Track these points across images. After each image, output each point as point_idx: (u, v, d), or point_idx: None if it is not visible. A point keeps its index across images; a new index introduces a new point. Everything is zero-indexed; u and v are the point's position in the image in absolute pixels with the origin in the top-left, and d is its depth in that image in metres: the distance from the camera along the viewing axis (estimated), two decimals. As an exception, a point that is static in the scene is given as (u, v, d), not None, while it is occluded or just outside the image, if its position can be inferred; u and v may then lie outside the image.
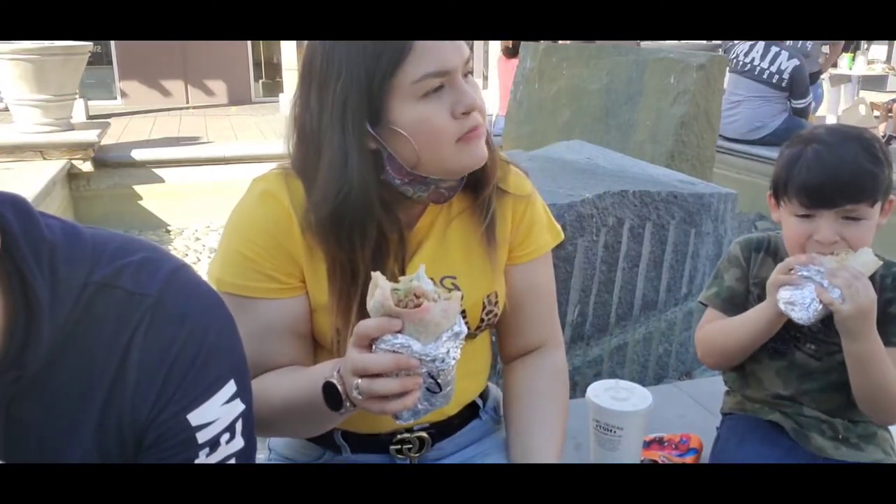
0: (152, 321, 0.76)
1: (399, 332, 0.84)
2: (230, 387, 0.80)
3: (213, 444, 0.79)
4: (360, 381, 0.86)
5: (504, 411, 1.24)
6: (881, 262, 1.27)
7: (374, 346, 0.85)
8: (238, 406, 0.81)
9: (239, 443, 0.82)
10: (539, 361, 1.23)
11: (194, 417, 0.77)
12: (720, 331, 1.43)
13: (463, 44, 1.01)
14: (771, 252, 1.43)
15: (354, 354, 0.86)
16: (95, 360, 0.75)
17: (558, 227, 1.23)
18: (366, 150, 1.00)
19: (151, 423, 0.76)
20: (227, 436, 0.80)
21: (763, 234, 1.47)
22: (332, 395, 0.92)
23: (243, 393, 0.82)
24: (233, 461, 0.82)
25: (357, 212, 1.00)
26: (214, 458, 0.80)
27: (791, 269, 1.26)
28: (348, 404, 0.90)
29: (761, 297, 1.38)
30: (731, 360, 1.47)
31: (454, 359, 0.86)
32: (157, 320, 0.76)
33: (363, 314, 0.89)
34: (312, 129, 1.01)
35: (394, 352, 0.84)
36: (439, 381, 0.88)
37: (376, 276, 0.86)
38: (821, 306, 1.23)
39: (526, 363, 1.24)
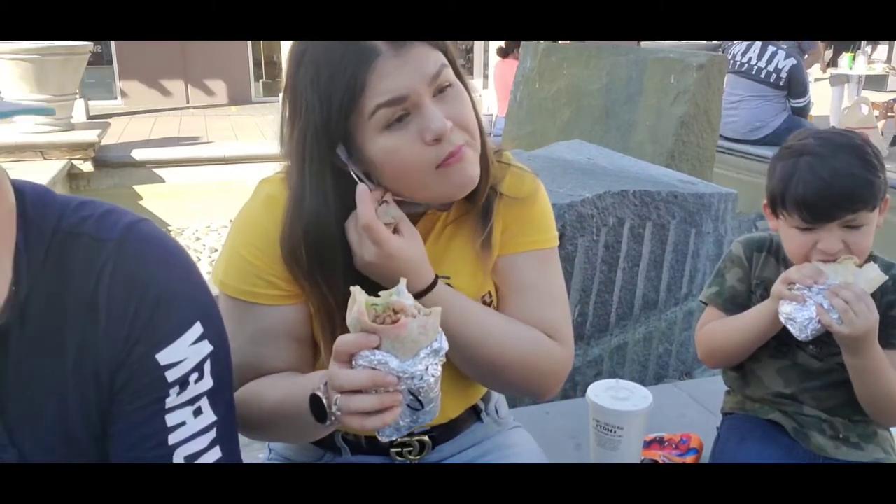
0: (116, 264, 0.79)
1: (377, 347, 0.82)
2: (196, 328, 0.82)
3: (183, 383, 0.81)
4: (338, 396, 0.84)
5: None
6: (887, 277, 1.27)
7: (352, 362, 0.84)
8: (206, 347, 0.83)
9: (208, 382, 0.84)
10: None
11: (163, 357, 0.80)
12: (721, 330, 1.43)
13: (429, 62, 0.95)
14: (773, 252, 1.43)
15: (334, 370, 0.85)
16: (67, 307, 0.78)
17: (555, 232, 1.18)
18: (327, 188, 0.99)
19: (122, 363, 0.79)
20: (195, 375, 0.82)
21: (765, 233, 1.46)
22: (317, 408, 0.90)
23: (210, 334, 0.84)
24: (204, 400, 0.83)
25: (314, 251, 1.00)
26: (185, 398, 0.81)
27: (793, 284, 1.26)
28: (333, 418, 0.88)
29: (764, 297, 1.38)
30: (731, 359, 1.47)
31: (433, 376, 0.84)
32: (120, 263, 0.79)
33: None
34: (286, 154, 1.03)
35: (371, 368, 0.82)
36: (420, 398, 0.85)
37: (355, 290, 0.84)
38: (819, 325, 1.24)
39: None
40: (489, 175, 1.08)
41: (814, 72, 8.08)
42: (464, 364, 1.11)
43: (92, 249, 0.79)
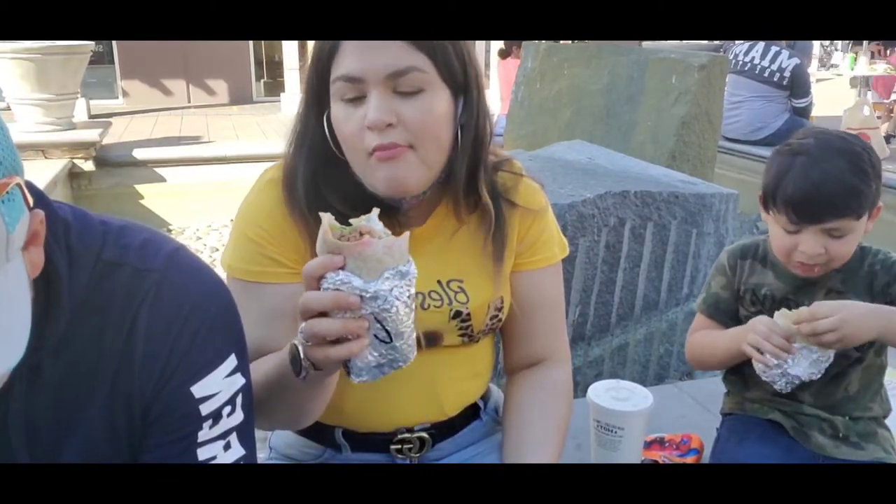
0: (157, 295, 0.79)
1: (341, 268, 0.80)
2: (231, 360, 0.82)
3: (216, 416, 0.81)
4: (304, 324, 0.83)
5: (502, 423, 1.24)
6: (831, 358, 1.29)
7: (319, 287, 0.82)
8: (239, 380, 0.83)
9: (239, 416, 0.84)
10: (540, 375, 1.23)
11: (197, 390, 0.79)
12: (705, 343, 1.48)
13: (397, 59, 0.95)
14: (759, 258, 1.45)
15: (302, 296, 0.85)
16: (105, 335, 0.77)
17: (565, 241, 1.23)
18: (310, 138, 1.05)
19: (157, 395, 0.78)
20: (228, 409, 0.82)
21: (754, 239, 1.49)
22: (294, 358, 0.89)
23: (243, 367, 0.84)
24: (233, 435, 0.83)
25: (297, 192, 1.05)
26: (216, 431, 0.81)
27: (762, 354, 1.29)
28: (307, 364, 0.87)
29: (753, 302, 1.43)
30: (714, 369, 1.54)
31: (398, 299, 0.80)
32: (162, 294, 0.79)
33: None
34: None
35: (335, 290, 0.80)
36: (388, 327, 0.81)
37: (324, 216, 0.82)
38: (796, 381, 1.30)
39: (527, 377, 1.23)
40: (479, 186, 1.09)
41: (814, 72, 8.05)
42: None
43: (134, 279, 0.79)
